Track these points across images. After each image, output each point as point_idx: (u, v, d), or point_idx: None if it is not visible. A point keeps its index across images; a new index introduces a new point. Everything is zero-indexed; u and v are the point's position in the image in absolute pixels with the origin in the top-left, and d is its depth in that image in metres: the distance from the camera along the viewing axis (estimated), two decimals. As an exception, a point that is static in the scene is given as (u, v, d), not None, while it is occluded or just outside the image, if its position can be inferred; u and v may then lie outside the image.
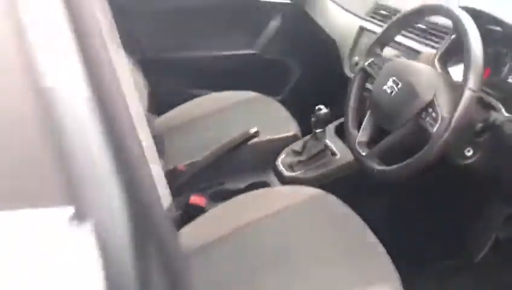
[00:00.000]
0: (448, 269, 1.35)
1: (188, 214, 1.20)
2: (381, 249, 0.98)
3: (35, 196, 0.45)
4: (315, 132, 1.31)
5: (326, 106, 1.28)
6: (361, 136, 1.07)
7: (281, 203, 1.11)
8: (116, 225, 0.47)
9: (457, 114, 0.85)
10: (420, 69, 0.96)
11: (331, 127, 1.44)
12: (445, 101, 0.88)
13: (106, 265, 0.45)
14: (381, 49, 1.12)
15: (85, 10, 0.45)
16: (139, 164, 0.48)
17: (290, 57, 1.96)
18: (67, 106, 0.45)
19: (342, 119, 1.34)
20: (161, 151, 1.28)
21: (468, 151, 0.96)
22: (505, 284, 1.27)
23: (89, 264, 0.44)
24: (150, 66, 1.66)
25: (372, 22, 1.41)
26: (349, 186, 1.26)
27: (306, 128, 1.39)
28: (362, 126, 1.08)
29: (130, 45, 1.23)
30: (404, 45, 1.23)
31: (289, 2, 1.87)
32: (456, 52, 0.95)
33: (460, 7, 0.95)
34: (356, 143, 1.07)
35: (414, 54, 1.17)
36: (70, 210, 0.44)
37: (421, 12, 1.05)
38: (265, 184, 1.36)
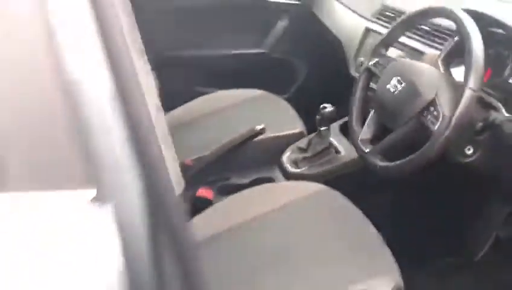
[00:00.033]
0: (448, 267, 1.36)
1: (195, 206, 1.23)
2: (381, 242, 1.00)
3: (63, 179, 0.49)
4: (320, 130, 1.33)
5: (331, 105, 1.29)
6: (364, 133, 1.09)
7: (286, 197, 1.13)
8: (133, 207, 0.50)
9: (457, 113, 0.87)
10: (423, 69, 0.98)
11: (335, 125, 1.45)
12: (446, 100, 0.91)
13: (123, 243, 0.49)
14: (386, 50, 1.14)
15: (108, 11, 0.48)
16: (156, 155, 0.51)
17: (297, 56, 1.97)
18: (92, 101, 0.48)
19: (346, 118, 1.35)
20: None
21: (469, 149, 0.98)
22: (505, 282, 1.28)
23: (108, 241, 0.48)
24: (160, 64, 1.68)
25: (378, 23, 1.42)
26: (352, 183, 1.28)
27: (311, 126, 1.40)
28: (366, 124, 1.10)
29: (143, 43, 1.26)
30: (408, 46, 1.25)
31: (297, 2, 1.89)
32: (459, 53, 0.97)
33: (463, 9, 0.97)
34: (359, 140, 1.09)
35: (418, 54, 1.19)
36: (92, 193, 0.48)
37: (425, 14, 1.08)
38: (270, 180, 1.38)
